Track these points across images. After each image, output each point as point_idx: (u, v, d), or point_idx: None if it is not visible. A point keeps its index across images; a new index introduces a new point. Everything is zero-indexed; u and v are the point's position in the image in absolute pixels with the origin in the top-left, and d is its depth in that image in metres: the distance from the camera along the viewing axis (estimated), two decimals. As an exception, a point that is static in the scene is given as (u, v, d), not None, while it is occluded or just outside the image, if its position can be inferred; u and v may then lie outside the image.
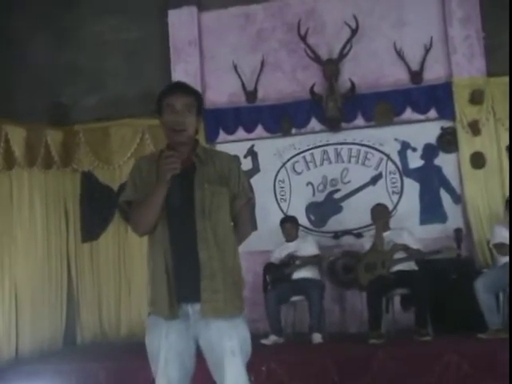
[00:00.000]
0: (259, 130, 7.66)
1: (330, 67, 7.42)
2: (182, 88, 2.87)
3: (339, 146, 7.54)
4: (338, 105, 7.32)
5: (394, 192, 7.41)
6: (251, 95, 7.66)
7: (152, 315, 2.78)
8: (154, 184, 2.73)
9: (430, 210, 7.29)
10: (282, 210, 7.54)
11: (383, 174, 7.45)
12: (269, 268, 6.81)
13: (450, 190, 7.29)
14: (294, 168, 7.63)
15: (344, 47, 7.45)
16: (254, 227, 7.39)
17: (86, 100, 8.13)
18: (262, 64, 7.66)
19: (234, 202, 2.84)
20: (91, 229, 7.77)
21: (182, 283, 2.71)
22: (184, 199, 2.73)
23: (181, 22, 7.81)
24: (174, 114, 2.78)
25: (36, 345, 6.99)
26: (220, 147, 7.17)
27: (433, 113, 7.34)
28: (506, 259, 5.87)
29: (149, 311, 2.81)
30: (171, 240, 2.72)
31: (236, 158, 2.94)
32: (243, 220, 2.92)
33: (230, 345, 2.68)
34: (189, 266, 2.70)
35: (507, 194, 6.55)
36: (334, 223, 7.49)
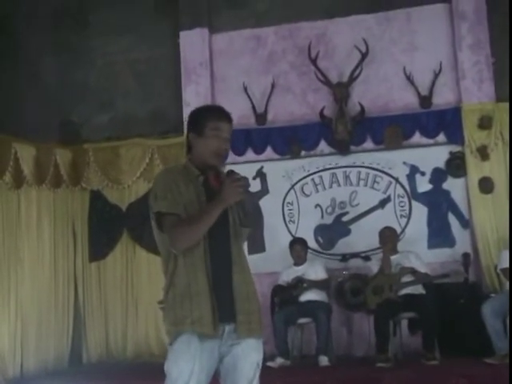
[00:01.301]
0: (268, 152, 7.69)
1: (340, 90, 7.46)
2: (228, 116, 2.91)
3: (348, 169, 7.56)
4: (347, 128, 7.35)
5: (402, 215, 7.40)
6: (261, 117, 7.71)
7: (184, 335, 2.69)
8: (192, 200, 2.75)
9: (438, 234, 7.28)
10: (291, 232, 7.53)
11: (392, 197, 7.45)
12: (276, 290, 6.79)
13: (459, 215, 7.28)
14: (302, 190, 7.64)
15: (354, 71, 7.50)
16: (262, 249, 7.41)
17: (96, 119, 8.20)
18: (273, 86, 7.71)
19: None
20: (99, 248, 7.78)
21: (219, 303, 2.72)
22: (220, 221, 2.73)
23: (192, 44, 7.88)
24: (222, 140, 2.82)
25: (41, 364, 6.99)
26: (229, 168, 7.17)
27: (442, 137, 7.37)
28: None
29: (176, 331, 2.71)
30: (206, 260, 2.74)
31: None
32: None
33: (257, 358, 2.76)
34: (224, 287, 2.74)
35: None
36: (342, 246, 7.48)
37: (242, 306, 2.73)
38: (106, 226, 7.77)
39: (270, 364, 6.16)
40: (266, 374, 5.50)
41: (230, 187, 2.68)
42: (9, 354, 6.57)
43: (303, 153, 7.65)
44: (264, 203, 7.49)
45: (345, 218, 7.52)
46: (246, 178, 2.74)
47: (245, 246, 3.02)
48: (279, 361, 6.25)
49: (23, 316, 6.87)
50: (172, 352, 2.70)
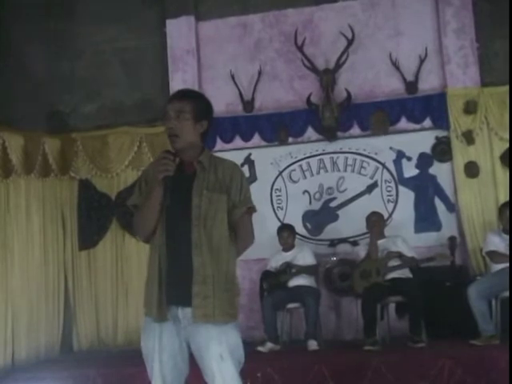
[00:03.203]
0: (256, 139, 7.73)
1: (327, 77, 7.49)
2: (176, 94, 2.90)
3: (335, 155, 7.61)
4: (334, 114, 7.39)
5: (389, 200, 7.47)
6: (248, 104, 7.74)
7: (146, 317, 2.81)
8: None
9: (425, 219, 7.35)
10: (279, 219, 7.59)
11: (379, 182, 7.51)
12: (265, 275, 6.84)
13: (445, 199, 7.36)
14: (290, 176, 7.69)
15: (340, 57, 7.53)
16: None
17: (84, 108, 8.20)
18: (260, 73, 7.74)
19: (234, 210, 2.83)
20: (88, 237, 7.80)
21: (174, 287, 2.73)
22: (182, 205, 2.76)
23: (179, 32, 7.88)
24: (167, 120, 2.83)
25: (33, 352, 7.01)
26: (213, 155, 7.21)
27: (428, 122, 7.42)
28: (499, 266, 5.94)
29: (144, 313, 2.85)
30: (167, 244, 2.76)
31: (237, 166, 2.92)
32: (244, 230, 2.89)
33: (219, 350, 2.69)
34: (182, 271, 2.72)
35: (500, 202, 6.64)
36: (330, 231, 7.54)
37: (198, 289, 2.70)
38: (95, 215, 7.78)
39: (259, 349, 6.23)
40: (255, 358, 5.64)
41: (156, 166, 2.73)
42: (0, 342, 6.59)
43: (290, 139, 7.69)
44: (252, 190, 7.50)
45: (332, 204, 7.58)
46: (170, 156, 2.74)
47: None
48: (269, 345, 6.31)
49: (14, 305, 6.89)
50: (142, 332, 2.84)
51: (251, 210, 2.92)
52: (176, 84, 7.58)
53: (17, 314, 6.91)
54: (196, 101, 2.87)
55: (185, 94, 2.90)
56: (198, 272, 2.72)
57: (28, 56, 8.27)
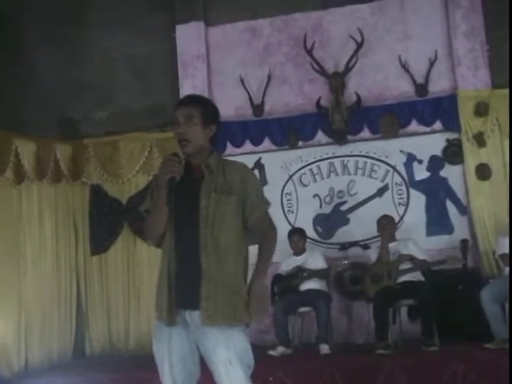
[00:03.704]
0: (266, 143, 7.74)
1: (336, 80, 7.49)
2: (184, 100, 2.95)
3: (345, 159, 7.60)
4: (344, 117, 7.39)
5: (400, 203, 7.45)
6: (258, 109, 7.75)
7: (157, 320, 2.84)
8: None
9: (437, 222, 7.33)
10: (290, 222, 7.58)
11: (389, 185, 7.50)
12: (276, 279, 6.84)
13: (456, 202, 7.33)
14: (300, 180, 7.69)
15: (350, 60, 7.53)
16: (261, 239, 7.43)
17: (95, 114, 8.24)
18: (269, 78, 7.75)
19: (254, 210, 2.87)
20: (100, 242, 7.83)
21: (183, 290, 2.75)
22: (191, 207, 2.79)
23: (188, 37, 7.91)
24: (177, 126, 2.86)
25: (45, 356, 7.05)
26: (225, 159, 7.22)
27: (438, 125, 7.40)
28: (512, 269, 5.91)
29: (155, 317, 2.88)
30: (176, 248, 2.78)
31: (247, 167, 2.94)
32: (270, 227, 2.98)
33: (226, 355, 2.70)
34: (190, 274, 2.74)
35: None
36: (341, 235, 7.53)
37: (207, 291, 2.71)
38: (107, 220, 7.82)
39: (271, 353, 6.24)
40: (267, 362, 5.63)
41: (162, 166, 2.77)
42: (13, 347, 6.64)
43: (300, 143, 7.69)
44: (262, 194, 7.51)
45: (343, 207, 7.57)
46: (176, 158, 2.77)
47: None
48: (280, 349, 6.30)
49: (27, 310, 6.93)
50: (153, 335, 2.87)
51: (267, 209, 2.99)
52: (186, 89, 7.61)
53: (30, 319, 6.95)
54: (204, 106, 2.91)
55: (193, 100, 2.94)
56: (206, 274, 2.73)
57: (40, 63, 8.31)
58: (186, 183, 2.81)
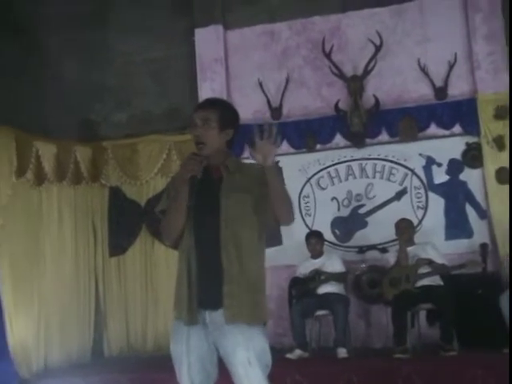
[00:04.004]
0: (284, 146, 7.71)
1: (355, 83, 7.49)
2: (203, 103, 2.99)
3: (364, 162, 7.59)
4: (362, 120, 7.38)
5: (419, 207, 7.42)
6: (276, 112, 7.76)
7: (175, 320, 2.85)
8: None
9: (456, 225, 7.28)
10: (307, 225, 7.58)
11: (408, 189, 7.47)
12: (294, 282, 6.84)
13: (476, 205, 7.29)
14: (318, 183, 7.69)
15: (368, 64, 7.52)
16: (280, 242, 7.46)
17: (115, 117, 8.30)
18: (287, 81, 7.76)
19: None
20: (118, 243, 7.88)
21: (203, 290, 2.76)
22: (210, 208, 2.81)
23: (207, 41, 7.94)
24: (194, 128, 2.90)
25: (64, 357, 7.11)
26: (245, 162, 7.24)
27: (457, 128, 7.36)
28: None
29: (174, 316, 2.88)
30: (196, 247, 2.79)
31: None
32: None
33: (246, 355, 2.71)
34: (211, 273, 2.76)
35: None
36: (359, 238, 7.52)
37: (229, 290, 2.73)
38: (125, 222, 7.86)
39: (288, 356, 6.23)
40: (284, 365, 5.63)
41: (183, 165, 2.80)
42: (33, 347, 6.68)
43: (318, 146, 7.69)
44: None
45: (361, 211, 7.55)
46: (197, 157, 2.80)
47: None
48: (297, 352, 6.30)
49: (46, 311, 6.98)
50: (171, 335, 2.87)
51: None
52: (204, 93, 7.63)
53: (49, 319, 7.01)
54: (222, 109, 2.93)
55: (211, 103, 2.97)
56: (228, 273, 2.75)
57: (60, 66, 8.39)
58: (205, 184, 2.84)
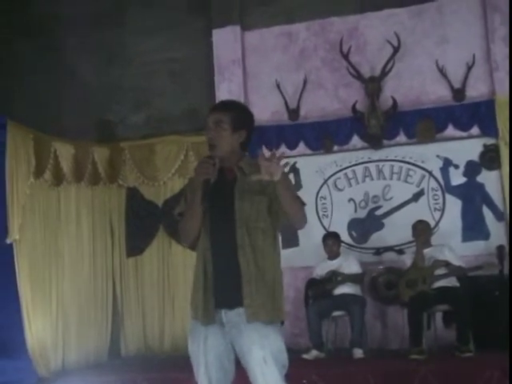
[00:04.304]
0: (301, 148, 7.75)
1: (372, 85, 7.48)
2: (216, 106, 3.04)
3: (381, 163, 7.58)
4: (379, 122, 7.37)
5: (436, 209, 7.40)
6: (293, 113, 7.77)
7: (192, 320, 2.88)
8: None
9: (473, 227, 7.26)
10: (324, 227, 7.58)
11: (425, 190, 7.45)
12: (311, 283, 6.86)
13: (493, 207, 7.25)
14: (335, 185, 7.69)
15: (386, 65, 7.51)
16: (296, 243, 7.47)
17: (132, 118, 8.35)
18: (305, 82, 7.77)
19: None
20: (136, 244, 7.91)
21: (220, 290, 2.80)
22: (225, 209, 2.84)
23: (225, 42, 7.96)
24: (207, 130, 2.94)
25: (82, 357, 7.15)
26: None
27: (475, 130, 7.33)
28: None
29: (191, 316, 2.92)
30: (212, 248, 2.83)
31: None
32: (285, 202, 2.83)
33: (262, 354, 2.73)
34: (228, 274, 2.79)
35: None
36: (376, 240, 7.50)
37: (248, 289, 2.76)
38: (143, 223, 7.90)
39: (304, 356, 6.26)
40: (301, 365, 5.64)
41: (197, 168, 2.83)
42: (51, 347, 6.72)
43: (336, 148, 7.68)
44: (297, 198, 7.53)
45: (378, 212, 7.54)
46: (211, 160, 2.83)
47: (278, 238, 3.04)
48: (314, 353, 6.32)
49: (64, 310, 7.03)
50: (189, 335, 2.90)
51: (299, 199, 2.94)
52: (222, 93, 7.65)
53: (67, 319, 7.05)
54: (234, 111, 2.96)
55: (223, 105, 3.02)
56: (246, 273, 2.78)
57: (78, 66, 8.46)
58: (220, 185, 2.88)
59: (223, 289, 2.80)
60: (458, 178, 7.40)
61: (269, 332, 2.77)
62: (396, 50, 7.48)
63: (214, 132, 2.90)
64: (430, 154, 7.44)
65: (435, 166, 7.44)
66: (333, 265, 6.82)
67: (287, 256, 7.00)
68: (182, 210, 2.98)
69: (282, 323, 2.89)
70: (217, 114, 2.94)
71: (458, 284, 6.28)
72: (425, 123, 7.42)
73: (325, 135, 7.64)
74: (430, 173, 7.45)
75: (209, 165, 2.81)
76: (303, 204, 2.94)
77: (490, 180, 7.30)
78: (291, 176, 7.60)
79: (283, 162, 2.75)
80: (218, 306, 2.80)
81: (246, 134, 2.97)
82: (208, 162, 2.82)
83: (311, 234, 7.33)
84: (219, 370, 2.82)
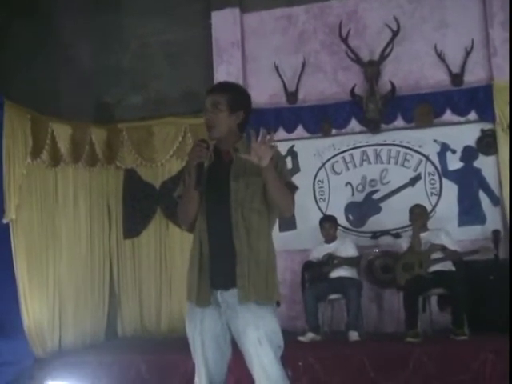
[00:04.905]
0: (299, 131, 7.75)
1: (371, 69, 7.47)
2: (213, 87, 3.06)
3: (379, 147, 7.59)
4: (378, 106, 7.37)
5: (432, 193, 7.42)
6: (292, 96, 7.76)
7: (188, 302, 2.91)
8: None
9: (469, 212, 7.29)
10: (321, 210, 7.60)
11: (422, 175, 7.47)
12: (307, 266, 6.88)
13: (489, 192, 7.28)
14: (333, 168, 7.70)
15: (385, 49, 7.50)
16: (293, 226, 7.49)
17: (130, 99, 8.32)
18: (303, 65, 7.75)
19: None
20: (133, 226, 7.92)
21: (215, 271, 2.82)
22: (221, 191, 2.86)
23: (223, 24, 7.92)
24: (205, 112, 2.96)
25: (79, 337, 7.16)
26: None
27: (473, 115, 7.34)
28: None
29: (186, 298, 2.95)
30: (208, 230, 2.85)
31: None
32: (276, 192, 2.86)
33: (256, 335, 2.75)
34: (223, 255, 2.81)
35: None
36: (373, 223, 7.53)
37: (242, 270, 2.78)
38: (140, 204, 7.90)
39: (300, 338, 6.30)
40: (297, 348, 5.69)
41: (190, 152, 2.85)
42: (48, 328, 6.73)
43: (334, 131, 7.69)
44: (295, 181, 7.53)
45: (375, 196, 7.56)
46: (204, 144, 2.84)
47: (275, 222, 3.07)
48: (310, 335, 6.36)
49: (61, 291, 7.04)
50: (186, 316, 2.93)
51: (290, 184, 2.96)
52: (220, 76, 7.62)
53: (64, 300, 7.06)
54: (231, 93, 2.97)
55: (220, 87, 3.05)
56: (240, 254, 2.80)
57: (76, 48, 8.41)
58: (216, 168, 2.91)
59: (219, 270, 2.82)
60: (454, 163, 7.41)
61: (264, 313, 2.79)
62: (395, 34, 7.46)
63: (211, 113, 2.92)
64: (427, 138, 7.45)
65: (432, 151, 7.46)
66: (329, 248, 6.85)
67: (284, 239, 7.05)
68: (180, 193, 2.99)
69: (278, 304, 2.91)
70: (214, 95, 2.95)
71: (453, 268, 6.32)
72: (423, 108, 7.42)
73: (323, 119, 7.64)
74: (427, 157, 7.46)
75: (202, 148, 2.83)
76: (295, 188, 2.96)
77: (486, 165, 7.31)
78: (289, 159, 7.61)
79: (272, 145, 2.76)
80: (213, 287, 2.82)
81: (243, 116, 2.99)
82: (201, 146, 2.84)
83: (308, 218, 7.36)
84: (216, 351, 2.85)
